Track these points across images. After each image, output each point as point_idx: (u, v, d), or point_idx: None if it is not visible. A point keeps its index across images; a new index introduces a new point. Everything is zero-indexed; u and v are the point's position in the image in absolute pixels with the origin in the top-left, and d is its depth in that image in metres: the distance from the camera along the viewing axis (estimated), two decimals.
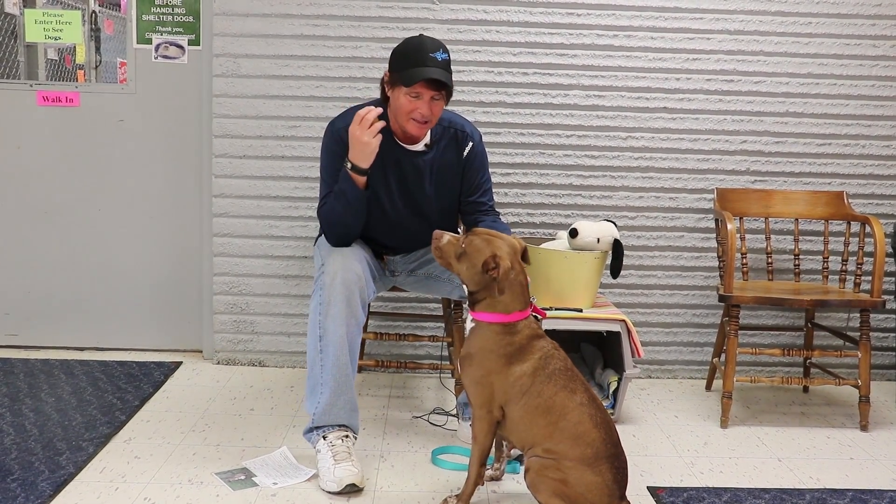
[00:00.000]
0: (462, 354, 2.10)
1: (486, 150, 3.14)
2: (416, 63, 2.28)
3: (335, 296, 2.26)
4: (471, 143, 2.54)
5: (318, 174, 2.52)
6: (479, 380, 2.04)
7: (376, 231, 2.55)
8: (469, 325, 2.11)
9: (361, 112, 2.28)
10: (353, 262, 2.32)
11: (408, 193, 2.52)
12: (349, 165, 2.33)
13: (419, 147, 2.48)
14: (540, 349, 2.04)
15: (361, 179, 2.34)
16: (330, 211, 2.40)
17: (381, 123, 2.29)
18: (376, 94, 2.59)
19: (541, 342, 2.05)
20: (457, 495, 2.12)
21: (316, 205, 2.62)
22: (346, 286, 2.27)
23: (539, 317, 2.15)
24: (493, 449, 2.29)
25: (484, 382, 2.03)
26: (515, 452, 2.39)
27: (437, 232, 2.14)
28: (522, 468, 2.07)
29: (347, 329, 2.27)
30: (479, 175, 2.59)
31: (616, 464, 1.92)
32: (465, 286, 2.11)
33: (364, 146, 2.28)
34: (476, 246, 2.05)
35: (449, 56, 2.34)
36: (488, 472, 2.30)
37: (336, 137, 2.43)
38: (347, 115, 2.45)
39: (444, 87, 2.32)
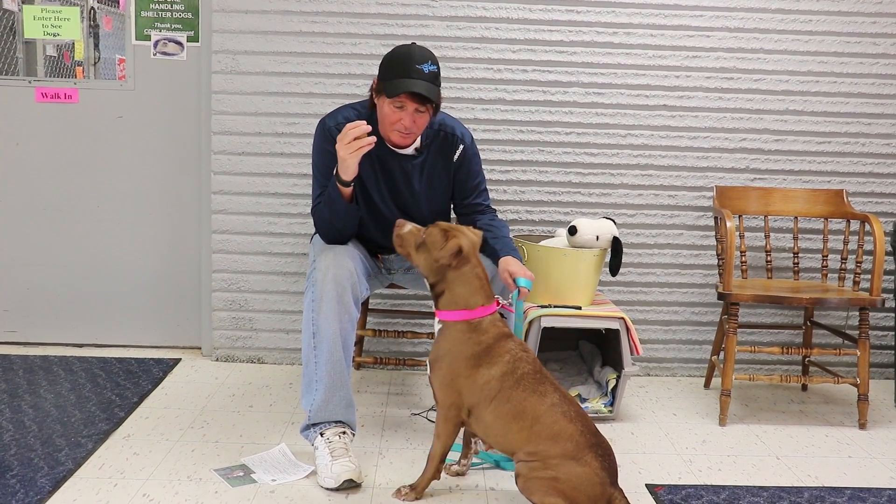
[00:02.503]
0: (431, 358, 2.12)
1: (485, 146, 3.16)
2: (401, 74, 2.25)
3: (327, 293, 2.26)
4: (461, 147, 2.52)
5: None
6: (448, 382, 2.06)
7: (371, 231, 2.56)
8: (437, 326, 2.12)
9: (349, 126, 2.22)
10: (344, 259, 2.31)
11: (398, 196, 2.51)
12: (335, 172, 2.31)
13: (409, 151, 2.47)
14: (508, 351, 2.04)
15: (346, 191, 2.32)
16: (320, 216, 2.40)
17: (369, 140, 2.21)
18: None
19: (508, 343, 2.06)
20: (411, 485, 2.15)
21: None
22: (338, 283, 2.27)
23: (506, 313, 2.16)
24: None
25: (452, 385, 2.05)
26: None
27: (399, 221, 2.17)
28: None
29: (340, 325, 2.27)
30: (473, 178, 2.57)
31: (600, 452, 1.93)
32: (425, 280, 2.13)
33: (342, 160, 2.25)
34: (433, 239, 2.08)
35: (438, 68, 2.31)
36: (454, 468, 2.31)
37: (327, 136, 2.42)
38: (338, 114, 2.45)
39: (428, 101, 2.30)
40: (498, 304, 2.13)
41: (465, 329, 2.06)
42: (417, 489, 2.14)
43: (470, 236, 2.11)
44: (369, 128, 2.22)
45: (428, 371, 2.14)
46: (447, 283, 2.07)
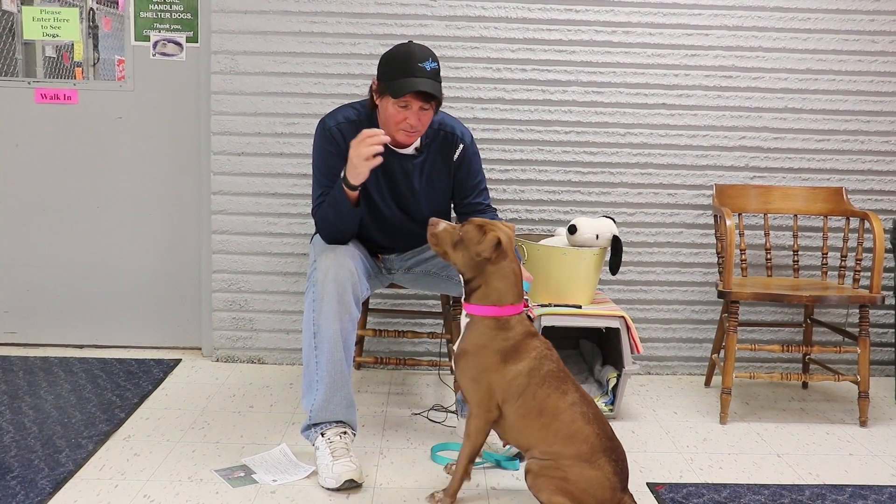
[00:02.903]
0: (457, 351, 2.10)
1: (485, 146, 3.16)
2: (405, 73, 2.25)
3: (327, 292, 2.26)
4: (461, 146, 2.52)
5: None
6: (475, 377, 2.04)
7: (371, 231, 2.55)
8: (464, 320, 2.12)
9: (368, 132, 2.21)
10: (345, 259, 2.31)
11: (399, 196, 2.51)
12: (342, 175, 2.31)
13: (409, 150, 2.47)
14: (534, 348, 2.04)
15: (353, 195, 2.32)
16: (323, 217, 2.39)
17: (378, 150, 2.20)
18: None
19: (535, 341, 2.06)
20: (444, 490, 2.14)
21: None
22: (339, 282, 2.27)
23: (531, 317, 2.15)
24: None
25: (481, 380, 2.03)
26: (513, 450, 2.39)
27: (433, 219, 2.15)
28: (523, 465, 2.08)
29: (341, 325, 2.27)
30: (473, 177, 2.57)
31: (614, 456, 1.93)
32: (461, 276, 2.12)
33: (353, 167, 2.25)
34: (471, 233, 2.06)
35: (438, 65, 2.31)
36: (455, 468, 2.30)
37: (327, 136, 2.42)
38: (338, 114, 2.45)
39: (433, 99, 2.30)
40: (526, 305, 2.12)
41: (492, 325, 2.05)
42: (449, 492, 2.12)
43: (505, 230, 2.10)
44: (387, 138, 2.21)
45: (452, 366, 2.12)
46: (485, 277, 2.05)
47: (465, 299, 2.11)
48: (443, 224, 2.12)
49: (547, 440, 1.95)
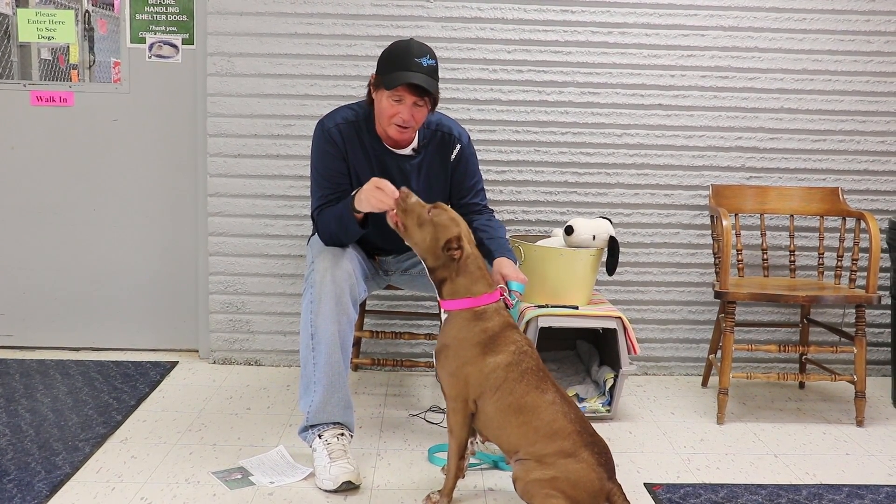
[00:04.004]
0: (438, 347, 2.11)
1: (481, 147, 3.16)
2: (400, 67, 2.26)
3: (325, 294, 2.26)
4: (458, 146, 2.53)
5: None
6: (454, 371, 2.05)
7: (368, 233, 2.55)
8: (443, 316, 2.12)
9: (384, 184, 2.17)
10: (343, 261, 2.31)
11: None
12: (353, 193, 2.30)
13: (407, 151, 2.48)
14: (514, 342, 2.05)
15: (360, 216, 2.32)
16: (326, 226, 2.39)
17: (389, 205, 2.17)
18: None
19: (514, 334, 2.06)
20: (439, 491, 2.14)
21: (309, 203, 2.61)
22: (336, 284, 2.27)
23: (508, 306, 2.16)
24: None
25: (459, 374, 2.04)
26: (492, 446, 2.39)
27: (404, 189, 2.14)
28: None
29: (339, 327, 2.27)
30: (470, 178, 2.57)
31: (595, 449, 1.94)
32: (423, 261, 2.12)
33: (360, 202, 2.23)
34: (443, 222, 2.06)
35: (437, 63, 2.32)
36: None
37: (327, 137, 2.42)
38: (336, 115, 2.46)
39: (427, 94, 2.29)
40: (501, 294, 2.13)
41: (470, 317, 2.05)
42: (445, 492, 2.13)
43: (465, 224, 2.12)
44: (392, 202, 2.15)
45: (434, 362, 2.12)
46: (448, 271, 2.07)
47: (438, 295, 2.11)
48: (414, 197, 2.12)
49: (528, 438, 1.96)
